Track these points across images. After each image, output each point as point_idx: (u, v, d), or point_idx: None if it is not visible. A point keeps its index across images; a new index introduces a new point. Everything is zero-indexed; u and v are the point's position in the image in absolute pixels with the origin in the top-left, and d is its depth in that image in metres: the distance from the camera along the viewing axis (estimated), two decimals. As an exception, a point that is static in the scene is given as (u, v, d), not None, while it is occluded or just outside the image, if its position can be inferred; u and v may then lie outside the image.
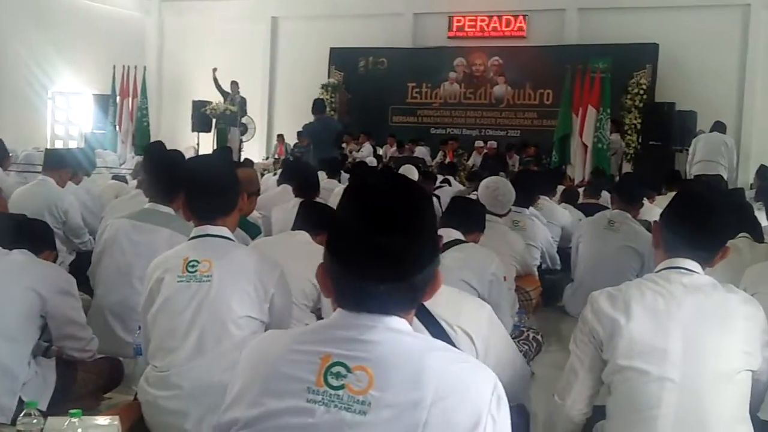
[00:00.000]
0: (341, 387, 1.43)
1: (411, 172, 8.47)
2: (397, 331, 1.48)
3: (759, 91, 15.83)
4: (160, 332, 2.91)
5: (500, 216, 5.26)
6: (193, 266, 2.88)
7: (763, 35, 15.83)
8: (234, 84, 16.99)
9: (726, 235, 2.62)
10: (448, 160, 15.37)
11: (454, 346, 2.32)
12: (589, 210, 7.58)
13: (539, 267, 6.29)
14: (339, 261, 1.48)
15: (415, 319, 2.50)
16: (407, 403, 1.40)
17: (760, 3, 15.76)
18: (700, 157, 11.71)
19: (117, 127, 17.34)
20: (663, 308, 2.47)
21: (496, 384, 1.46)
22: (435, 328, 2.36)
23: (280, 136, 18.79)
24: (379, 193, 1.49)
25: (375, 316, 1.48)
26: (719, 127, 12.06)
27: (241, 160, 11.98)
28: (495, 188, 5.32)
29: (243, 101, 16.94)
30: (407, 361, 1.44)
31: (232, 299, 2.85)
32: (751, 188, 12.51)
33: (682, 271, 2.52)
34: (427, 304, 2.50)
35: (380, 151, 17.02)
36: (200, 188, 2.95)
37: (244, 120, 16.96)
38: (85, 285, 4.23)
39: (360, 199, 1.50)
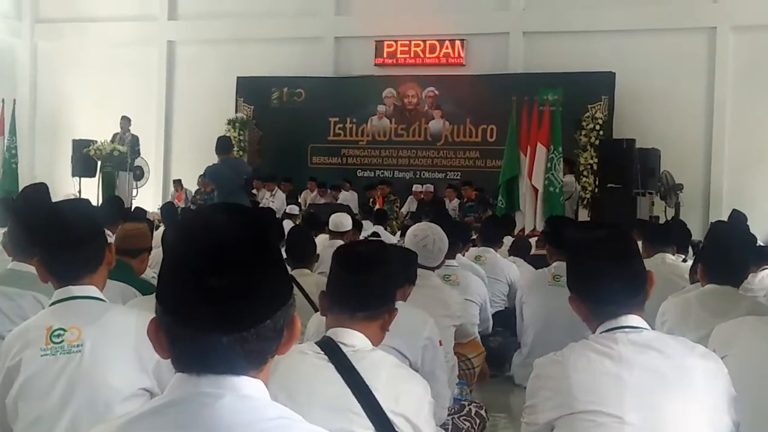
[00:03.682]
0: None
1: (344, 219, 8.63)
2: (250, 399, 1.47)
3: (728, 124, 16.31)
4: (23, 421, 2.76)
5: (432, 269, 5.28)
6: (58, 336, 2.78)
7: (731, 61, 16.39)
8: (124, 120, 16.86)
9: (641, 262, 2.73)
10: (377, 207, 15.46)
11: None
12: (540, 263, 7.70)
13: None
14: (169, 311, 1.45)
15: (357, 404, 2.57)
16: None
17: (728, 25, 16.33)
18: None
19: (-19, 170, 17.03)
20: (613, 373, 2.53)
21: None
22: (378, 417, 2.56)
23: (177, 182, 18.67)
24: (208, 228, 1.47)
25: (221, 379, 1.46)
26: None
27: (132, 209, 11.84)
28: (424, 237, 5.32)
29: (135, 140, 16.80)
30: None
31: (112, 371, 2.77)
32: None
33: (626, 329, 2.60)
34: (368, 381, 2.62)
35: (300, 198, 17.00)
36: (54, 242, 2.88)
37: (137, 162, 16.80)
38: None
39: (187, 235, 1.47)
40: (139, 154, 16.93)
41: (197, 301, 1.41)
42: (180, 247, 1.47)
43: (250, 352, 1.46)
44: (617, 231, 2.74)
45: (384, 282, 2.89)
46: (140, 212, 10.77)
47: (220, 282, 1.40)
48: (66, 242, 2.88)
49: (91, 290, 2.92)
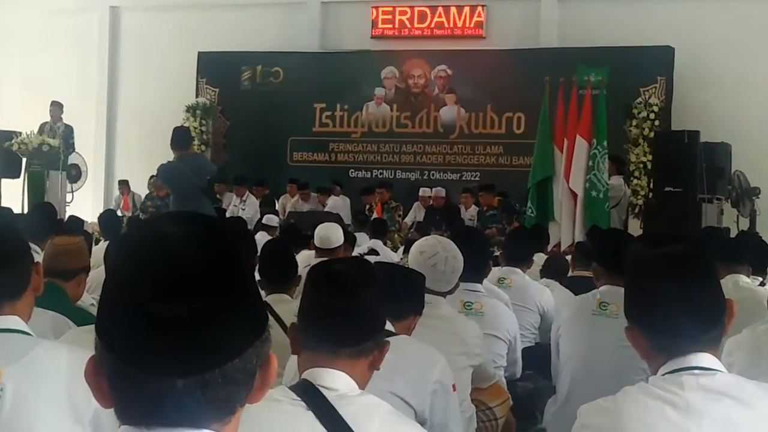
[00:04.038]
0: None
1: (333, 232, 8.56)
2: None
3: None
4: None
5: (443, 294, 5.27)
6: (-29, 378, 2.82)
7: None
8: (55, 106, 16.83)
9: (718, 287, 2.71)
10: (374, 215, 15.45)
11: None
12: (579, 287, 7.67)
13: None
14: (111, 347, 1.44)
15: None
16: None
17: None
18: None
19: None
20: (677, 425, 2.52)
21: None
22: None
23: (123, 184, 18.67)
24: (160, 243, 1.46)
25: None
26: None
27: (66, 218, 11.82)
28: (432, 254, 5.29)
29: (68, 131, 16.77)
30: None
31: (39, 422, 2.78)
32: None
33: (696, 371, 2.58)
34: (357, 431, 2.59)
35: (277, 205, 16.97)
36: None
37: (71, 159, 16.76)
38: None
39: (133, 252, 1.46)
40: (74, 148, 16.87)
41: (146, 336, 1.39)
42: (124, 267, 1.45)
43: (213, 400, 1.44)
44: (693, 247, 2.73)
45: (373, 307, 2.87)
46: (75, 222, 10.75)
47: (174, 311, 1.38)
48: None
49: (14, 321, 2.93)
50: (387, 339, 2.92)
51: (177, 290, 1.39)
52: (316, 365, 2.75)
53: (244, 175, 17.31)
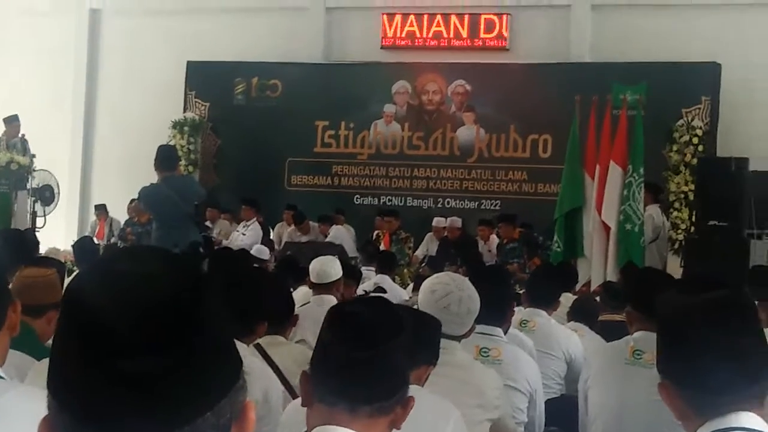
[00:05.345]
0: None
1: (330, 264, 8.50)
2: None
3: None
4: None
5: (457, 339, 5.26)
6: (-65, 424, 2.83)
7: None
8: (12, 123, 16.47)
9: (763, 338, 2.69)
10: (382, 247, 15.41)
11: None
12: (611, 332, 7.67)
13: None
14: (66, 406, 1.41)
15: None
16: None
17: None
18: None
19: None
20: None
21: None
22: None
23: (101, 208, 18.67)
24: (122, 287, 1.42)
25: None
26: None
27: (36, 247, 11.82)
28: (445, 293, 5.28)
29: (25, 143, 16.44)
30: None
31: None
32: None
33: None
34: None
35: (272, 234, 16.90)
36: None
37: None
38: None
39: (91, 299, 1.42)
40: (33, 161, 16.60)
41: (107, 395, 1.37)
42: (80, 314, 1.41)
43: None
44: (734, 292, 2.72)
45: (400, 360, 2.83)
46: (27, 239, 10.67)
47: (138, 367, 1.36)
48: None
49: None
50: (411, 395, 2.87)
51: (142, 343, 1.37)
52: (329, 422, 2.70)
53: (255, 198, 17.02)
